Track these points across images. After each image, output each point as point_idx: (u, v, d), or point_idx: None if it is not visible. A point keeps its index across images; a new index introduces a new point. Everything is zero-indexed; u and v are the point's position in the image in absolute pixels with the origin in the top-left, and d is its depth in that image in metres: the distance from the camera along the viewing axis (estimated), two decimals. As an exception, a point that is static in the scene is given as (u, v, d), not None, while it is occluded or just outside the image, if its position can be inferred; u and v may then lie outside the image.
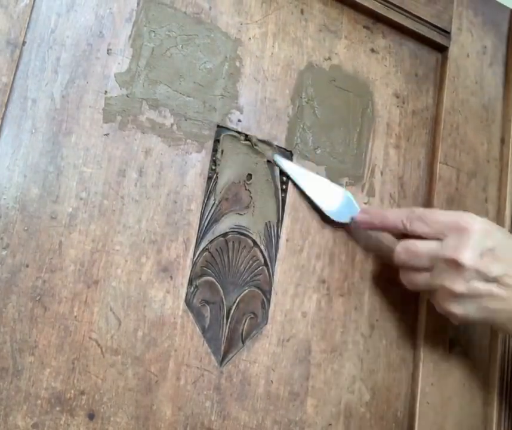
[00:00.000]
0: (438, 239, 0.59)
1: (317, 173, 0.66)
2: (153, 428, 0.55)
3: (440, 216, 0.61)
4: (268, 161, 0.64)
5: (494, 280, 0.58)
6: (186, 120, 0.61)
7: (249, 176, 0.63)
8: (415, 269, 0.61)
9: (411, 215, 0.61)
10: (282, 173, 0.65)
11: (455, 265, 0.58)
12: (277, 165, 0.64)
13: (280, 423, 0.60)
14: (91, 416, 0.53)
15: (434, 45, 0.76)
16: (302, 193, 0.65)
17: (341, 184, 0.67)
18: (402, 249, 0.61)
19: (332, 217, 0.65)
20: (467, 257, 0.57)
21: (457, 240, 0.58)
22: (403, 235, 0.62)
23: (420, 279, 0.61)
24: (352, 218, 0.65)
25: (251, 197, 0.63)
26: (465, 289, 0.58)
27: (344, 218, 0.65)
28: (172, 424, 0.56)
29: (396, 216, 0.63)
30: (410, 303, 0.69)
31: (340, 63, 0.70)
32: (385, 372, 0.66)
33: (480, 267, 0.58)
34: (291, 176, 0.65)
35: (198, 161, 0.61)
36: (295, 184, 0.65)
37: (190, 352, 0.58)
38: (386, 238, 0.67)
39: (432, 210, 0.64)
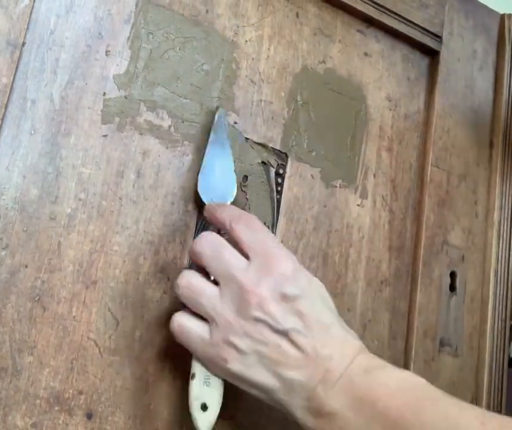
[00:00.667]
0: (245, 253, 0.52)
1: (312, 177, 0.67)
2: (151, 428, 0.56)
3: (264, 237, 0.53)
4: (263, 163, 0.65)
5: (284, 333, 0.50)
6: (183, 122, 0.61)
7: (245, 178, 0.64)
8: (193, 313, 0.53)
9: (242, 216, 0.54)
10: (277, 174, 0.65)
11: (246, 294, 0.50)
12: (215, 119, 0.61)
13: (275, 421, 0.61)
14: (89, 416, 0.54)
15: (426, 49, 0.77)
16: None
17: (334, 187, 0.68)
18: (185, 283, 0.52)
19: (200, 193, 0.59)
20: (263, 290, 0.50)
21: (262, 268, 0.51)
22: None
23: (198, 328, 0.52)
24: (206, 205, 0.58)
25: (247, 198, 0.63)
26: (249, 335, 0.50)
27: (205, 199, 0.59)
28: (169, 423, 0.57)
29: (229, 214, 0.54)
30: (401, 304, 0.70)
31: (334, 67, 0.71)
32: (377, 372, 0.67)
33: (274, 310, 0.50)
34: (209, 142, 0.60)
35: (195, 163, 0.61)
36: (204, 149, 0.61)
37: (187, 351, 0.58)
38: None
39: (266, 232, 0.55)
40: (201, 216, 0.60)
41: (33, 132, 0.55)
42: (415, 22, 0.75)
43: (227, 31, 0.65)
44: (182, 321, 0.52)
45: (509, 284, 0.74)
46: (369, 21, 0.73)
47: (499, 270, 0.74)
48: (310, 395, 0.49)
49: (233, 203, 0.59)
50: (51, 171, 0.55)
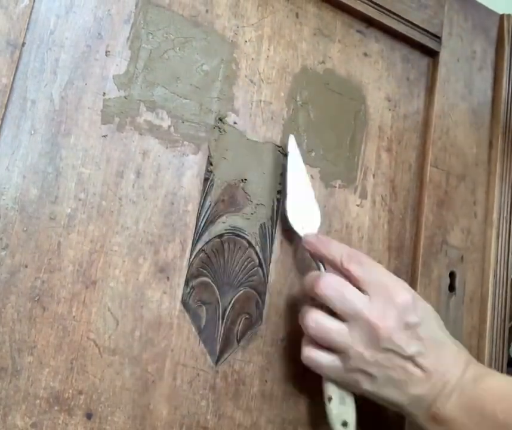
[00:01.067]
0: (363, 290, 0.57)
1: (312, 177, 0.67)
2: (150, 427, 0.56)
3: (377, 271, 0.58)
4: (263, 163, 0.65)
5: (409, 358, 0.56)
6: (183, 122, 0.62)
7: (245, 178, 0.64)
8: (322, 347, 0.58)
9: (351, 254, 0.59)
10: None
11: (374, 330, 0.55)
12: (287, 150, 0.64)
13: (274, 422, 0.61)
14: (89, 416, 0.54)
15: (425, 50, 0.77)
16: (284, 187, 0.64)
17: (333, 187, 0.68)
18: (313, 323, 0.58)
19: (290, 222, 0.63)
20: (389, 325, 0.56)
21: (381, 305, 0.56)
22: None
23: (330, 362, 0.58)
24: (303, 236, 0.62)
25: (247, 199, 0.63)
26: (379, 360, 0.56)
27: (300, 232, 0.63)
28: (168, 423, 0.57)
29: (338, 249, 0.59)
30: (400, 304, 0.70)
31: (334, 67, 0.71)
32: (376, 372, 0.67)
33: (399, 340, 0.56)
34: (288, 168, 0.64)
35: (195, 163, 0.61)
36: (284, 176, 0.64)
37: (186, 352, 0.58)
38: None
39: (378, 266, 0.60)
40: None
41: (33, 132, 0.55)
42: (415, 22, 0.75)
43: (226, 32, 0.65)
44: (312, 355, 0.58)
45: (508, 284, 0.74)
46: (369, 22, 0.74)
47: (498, 270, 0.74)
48: (431, 406, 0.56)
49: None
50: (50, 171, 0.55)
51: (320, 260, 0.61)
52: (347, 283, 0.57)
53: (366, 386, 0.57)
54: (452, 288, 0.72)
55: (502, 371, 0.72)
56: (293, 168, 0.64)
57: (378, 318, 0.56)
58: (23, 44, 0.55)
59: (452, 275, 0.72)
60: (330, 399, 0.59)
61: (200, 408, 0.58)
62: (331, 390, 0.59)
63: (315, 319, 0.57)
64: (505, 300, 0.73)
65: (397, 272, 0.70)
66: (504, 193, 0.76)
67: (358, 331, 0.56)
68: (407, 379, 0.56)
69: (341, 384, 0.59)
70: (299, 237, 0.63)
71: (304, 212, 0.64)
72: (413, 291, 0.59)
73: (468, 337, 0.72)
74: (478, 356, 0.72)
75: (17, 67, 0.54)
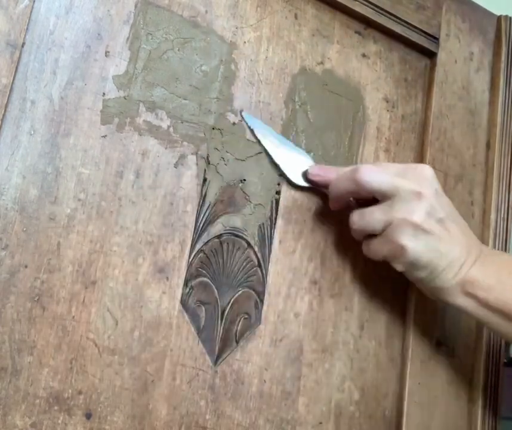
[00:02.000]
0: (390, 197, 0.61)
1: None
2: (149, 427, 0.56)
3: (392, 165, 0.64)
4: (261, 163, 0.65)
5: (440, 221, 0.61)
6: (182, 122, 0.62)
7: (244, 179, 0.64)
8: (372, 236, 0.63)
9: (364, 168, 0.62)
10: (274, 165, 0.66)
11: (417, 195, 0.60)
12: (245, 121, 0.65)
13: (272, 421, 0.61)
14: (88, 415, 0.54)
15: (423, 51, 0.77)
16: (267, 153, 0.66)
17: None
18: (357, 217, 0.63)
19: (295, 181, 0.66)
20: (428, 191, 0.60)
21: (415, 178, 0.61)
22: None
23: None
24: (305, 171, 0.66)
25: (245, 199, 0.64)
26: (423, 220, 0.59)
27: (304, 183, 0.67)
28: (167, 423, 0.57)
29: (351, 170, 0.63)
30: (398, 304, 0.70)
31: (332, 68, 0.71)
32: (374, 372, 0.68)
33: (434, 203, 0.60)
34: (258, 137, 0.65)
35: (194, 163, 0.62)
36: (262, 145, 0.65)
37: (185, 352, 0.59)
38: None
39: (384, 164, 0.66)
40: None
41: (32, 132, 0.55)
42: (413, 23, 0.75)
43: (225, 32, 0.65)
44: (366, 243, 0.65)
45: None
46: (367, 23, 0.74)
47: (495, 270, 0.74)
48: (461, 267, 0.61)
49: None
50: (50, 171, 0.55)
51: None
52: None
53: (410, 252, 0.60)
54: (449, 288, 0.72)
55: (498, 372, 0.72)
56: (263, 135, 0.65)
57: (417, 186, 0.60)
58: (23, 44, 0.55)
59: (449, 275, 0.73)
60: None
61: (199, 407, 0.58)
62: None
63: (358, 212, 0.63)
64: (502, 300, 0.74)
65: (395, 272, 0.70)
66: (501, 194, 0.77)
67: (400, 203, 0.60)
68: (443, 237, 0.60)
69: (390, 259, 0.62)
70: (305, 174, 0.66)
71: (294, 160, 0.66)
72: (433, 180, 0.63)
73: (465, 337, 0.72)
74: (475, 356, 0.72)
75: (16, 68, 0.55)
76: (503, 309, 0.60)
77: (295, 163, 0.66)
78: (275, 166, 0.66)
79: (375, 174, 0.61)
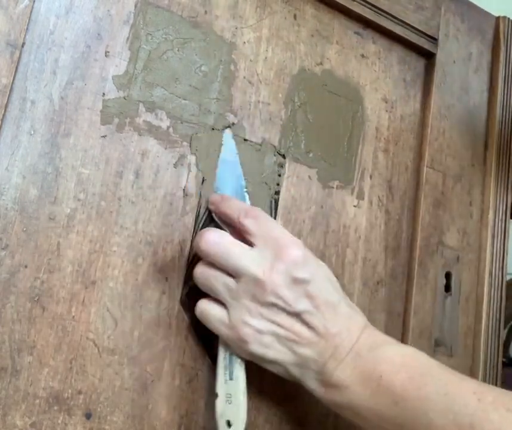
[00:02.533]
0: (253, 243, 0.55)
1: (309, 178, 0.67)
2: (149, 427, 0.56)
3: (271, 226, 0.56)
4: (261, 163, 0.65)
5: (296, 315, 0.54)
6: (182, 123, 0.62)
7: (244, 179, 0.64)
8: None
9: (248, 210, 0.57)
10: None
11: (259, 284, 0.53)
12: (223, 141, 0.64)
13: (272, 421, 0.62)
14: (88, 415, 0.54)
15: (422, 51, 0.77)
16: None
17: (331, 188, 0.68)
18: (199, 273, 0.56)
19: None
20: (276, 278, 0.53)
21: (269, 259, 0.54)
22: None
23: (215, 313, 0.56)
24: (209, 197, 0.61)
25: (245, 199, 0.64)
26: (265, 316, 0.54)
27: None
28: (167, 423, 0.57)
29: (237, 206, 0.58)
30: (397, 305, 0.70)
31: (331, 68, 0.71)
32: (373, 372, 0.68)
33: (286, 295, 0.53)
34: (220, 159, 0.63)
35: (193, 163, 0.62)
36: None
37: (185, 352, 0.59)
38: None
39: (273, 222, 0.59)
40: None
41: (32, 132, 0.55)
42: (411, 24, 0.75)
43: (225, 33, 0.65)
44: (203, 307, 0.56)
45: (504, 285, 0.75)
46: (366, 23, 0.74)
47: (493, 270, 0.75)
48: (322, 369, 0.54)
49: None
50: (50, 171, 0.55)
51: (223, 221, 0.59)
52: (232, 238, 0.55)
53: (254, 346, 0.54)
54: (447, 288, 0.73)
55: (497, 371, 0.72)
56: (224, 162, 0.63)
57: (264, 272, 0.53)
58: (23, 44, 0.55)
59: (447, 276, 0.73)
60: (216, 395, 0.56)
61: (198, 408, 0.59)
62: (219, 388, 0.56)
63: (202, 270, 0.56)
64: (500, 300, 0.74)
65: (393, 272, 0.71)
66: (500, 194, 0.77)
67: (244, 285, 0.53)
68: (296, 337, 0.54)
69: (232, 347, 0.56)
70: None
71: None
72: (307, 250, 0.56)
73: (464, 337, 0.72)
74: (474, 356, 0.72)
75: (16, 68, 0.55)
76: (372, 421, 0.53)
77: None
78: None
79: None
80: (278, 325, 0.54)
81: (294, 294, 0.54)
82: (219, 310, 0.55)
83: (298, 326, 0.54)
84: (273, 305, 0.53)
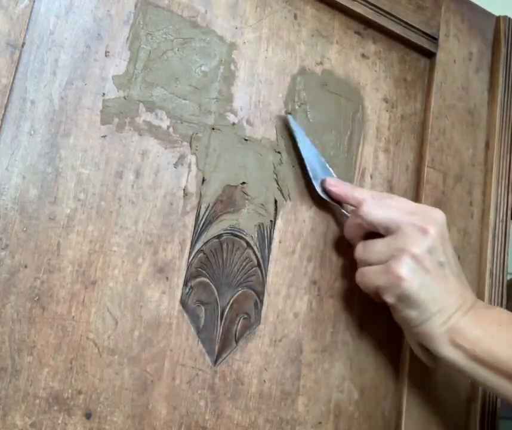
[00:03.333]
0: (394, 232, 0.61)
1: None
2: (149, 427, 0.56)
3: (400, 208, 0.62)
4: (261, 163, 0.65)
5: (440, 264, 0.60)
6: (182, 122, 0.62)
7: (244, 179, 0.64)
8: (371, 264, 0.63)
9: (375, 196, 0.63)
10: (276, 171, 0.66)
11: (422, 231, 0.59)
12: (289, 125, 0.67)
13: (272, 421, 0.61)
14: (88, 415, 0.54)
15: (423, 51, 0.77)
16: (299, 158, 0.67)
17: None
18: (360, 248, 0.64)
19: (318, 192, 0.67)
20: (434, 231, 0.60)
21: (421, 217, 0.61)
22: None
23: (374, 272, 0.62)
24: (322, 181, 0.67)
25: (245, 199, 0.64)
26: (424, 257, 0.59)
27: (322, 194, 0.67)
28: (167, 423, 0.57)
29: (361, 192, 0.64)
30: (397, 304, 0.70)
31: (332, 68, 0.71)
32: (373, 372, 0.68)
33: (438, 245, 0.60)
34: (298, 142, 0.66)
35: (194, 163, 0.62)
36: (297, 150, 0.67)
37: (185, 352, 0.59)
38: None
39: (389, 198, 0.64)
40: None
41: (32, 132, 0.55)
42: (412, 24, 0.75)
43: (225, 33, 0.65)
44: (361, 271, 0.64)
45: (505, 285, 0.75)
46: (366, 23, 0.74)
47: (494, 270, 0.74)
48: (451, 317, 0.60)
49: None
50: (50, 171, 0.55)
51: (341, 203, 0.66)
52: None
53: (407, 284, 0.58)
54: (448, 288, 0.72)
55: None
56: (303, 146, 0.66)
57: (421, 222, 0.60)
58: (23, 44, 0.55)
59: (448, 275, 0.73)
60: None
61: (198, 407, 0.59)
62: None
63: (362, 244, 0.64)
64: (501, 300, 0.74)
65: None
66: (500, 194, 0.77)
67: (404, 235, 0.60)
68: (439, 281, 0.60)
69: (384, 290, 0.61)
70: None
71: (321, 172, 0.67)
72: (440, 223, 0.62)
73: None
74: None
75: (16, 68, 0.55)
76: (491, 362, 0.58)
77: (321, 175, 0.67)
78: (306, 172, 0.66)
79: (377, 210, 0.61)
80: (428, 270, 0.59)
81: (443, 246, 0.61)
82: (375, 266, 0.62)
83: (440, 275, 0.60)
84: (429, 251, 0.59)
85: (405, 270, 0.59)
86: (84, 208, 0.56)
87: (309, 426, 0.63)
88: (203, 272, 0.61)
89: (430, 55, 0.78)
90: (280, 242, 0.65)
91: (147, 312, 0.58)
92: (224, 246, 0.62)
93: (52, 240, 0.55)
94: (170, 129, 0.61)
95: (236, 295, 0.62)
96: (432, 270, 0.59)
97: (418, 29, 0.76)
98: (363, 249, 0.63)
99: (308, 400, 0.64)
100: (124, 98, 0.59)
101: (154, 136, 0.60)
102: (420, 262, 0.59)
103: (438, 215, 0.61)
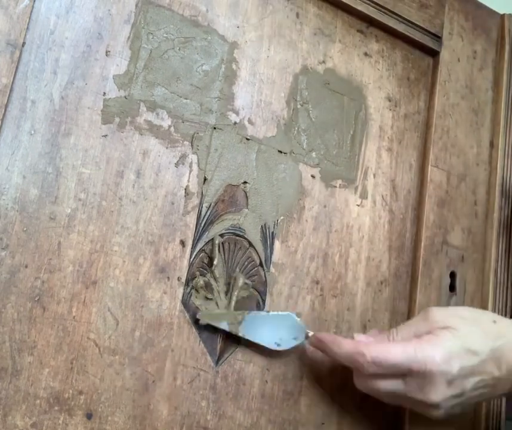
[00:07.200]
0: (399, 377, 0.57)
1: (312, 177, 0.67)
2: (150, 427, 0.56)
3: (393, 357, 0.57)
4: (263, 163, 0.65)
5: (471, 390, 0.58)
6: (183, 122, 0.61)
7: (245, 178, 0.64)
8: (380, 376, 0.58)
9: (363, 359, 0.57)
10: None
11: (426, 404, 0.57)
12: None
13: (274, 422, 0.61)
14: (89, 416, 0.54)
15: (426, 50, 0.77)
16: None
17: (334, 187, 0.68)
18: (362, 386, 0.60)
19: (279, 348, 0.61)
20: (436, 397, 0.57)
21: (420, 383, 0.57)
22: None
23: (389, 386, 0.58)
24: (306, 339, 0.62)
25: (247, 198, 0.63)
26: (443, 413, 0.58)
27: (294, 342, 0.62)
28: (168, 423, 0.57)
29: (352, 359, 0.58)
30: (401, 304, 0.70)
31: (334, 67, 0.71)
32: (377, 372, 0.67)
33: (452, 392, 0.57)
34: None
35: (195, 163, 0.61)
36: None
37: (186, 352, 0.58)
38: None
39: (387, 349, 0.58)
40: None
41: (33, 132, 0.55)
42: (415, 22, 0.75)
43: (226, 32, 0.65)
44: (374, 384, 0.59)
45: (509, 284, 0.74)
46: (369, 21, 0.74)
47: (498, 270, 0.74)
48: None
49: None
50: (50, 171, 0.55)
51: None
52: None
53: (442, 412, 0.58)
54: (452, 288, 0.72)
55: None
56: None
57: (422, 395, 0.57)
58: (23, 44, 0.55)
59: (452, 275, 0.72)
60: None
61: (200, 408, 0.58)
62: None
63: (364, 384, 0.59)
64: (505, 300, 0.73)
65: (397, 272, 0.70)
66: (505, 193, 0.76)
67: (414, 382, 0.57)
68: (491, 386, 0.58)
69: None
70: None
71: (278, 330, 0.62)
72: (439, 348, 0.57)
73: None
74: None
75: (17, 67, 0.55)
76: None
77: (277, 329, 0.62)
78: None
79: (378, 367, 0.57)
80: (457, 395, 0.57)
81: (458, 386, 0.57)
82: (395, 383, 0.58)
83: (473, 394, 0.58)
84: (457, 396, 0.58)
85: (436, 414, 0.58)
86: (85, 208, 0.56)
87: (312, 427, 0.63)
88: (205, 271, 0.60)
89: (434, 53, 0.77)
90: (282, 241, 0.64)
91: (148, 311, 0.57)
92: (226, 246, 0.62)
93: (53, 240, 0.55)
94: (172, 129, 0.61)
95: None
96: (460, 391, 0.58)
97: (421, 27, 0.76)
98: (365, 388, 0.60)
99: (310, 401, 0.63)
100: (125, 97, 0.59)
101: (155, 135, 0.60)
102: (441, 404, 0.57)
103: (437, 354, 0.57)
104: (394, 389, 0.57)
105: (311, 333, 0.61)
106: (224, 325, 0.59)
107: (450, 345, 0.57)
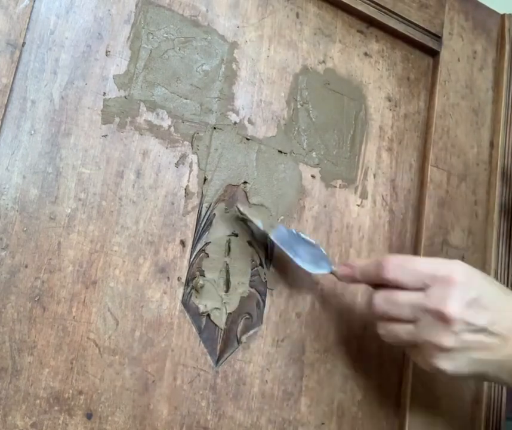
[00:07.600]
0: (419, 289, 0.57)
1: (312, 177, 0.67)
2: (150, 427, 0.56)
3: (420, 265, 0.58)
4: (263, 163, 0.65)
5: (482, 330, 0.56)
6: (183, 122, 0.61)
7: (245, 178, 0.64)
8: (395, 320, 0.58)
9: (390, 263, 0.58)
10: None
11: (442, 317, 0.55)
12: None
13: (274, 422, 0.61)
14: (89, 416, 0.54)
15: (426, 50, 0.77)
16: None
17: (334, 187, 0.68)
18: (381, 300, 0.58)
19: (310, 271, 0.62)
20: (454, 309, 0.55)
21: (441, 291, 0.56)
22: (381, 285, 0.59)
23: (403, 331, 0.57)
24: (332, 270, 0.63)
25: (247, 198, 0.63)
26: (454, 343, 0.55)
27: (322, 270, 0.63)
28: (168, 423, 0.57)
29: (375, 266, 0.59)
30: (401, 304, 0.70)
31: (334, 67, 0.71)
32: (377, 372, 0.67)
33: (468, 318, 0.55)
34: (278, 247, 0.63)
35: (195, 163, 0.61)
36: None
37: (186, 352, 0.58)
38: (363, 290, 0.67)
39: (412, 258, 0.61)
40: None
41: (33, 132, 0.55)
42: (415, 22, 0.75)
43: (226, 32, 0.65)
44: (389, 328, 0.58)
45: (509, 284, 0.74)
46: (369, 21, 0.74)
47: (499, 270, 0.74)
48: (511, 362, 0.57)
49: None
50: (50, 171, 0.55)
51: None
52: (394, 291, 0.58)
53: (441, 362, 0.56)
54: (452, 288, 0.72)
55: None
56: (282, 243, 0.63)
57: (440, 304, 0.55)
58: (23, 44, 0.55)
59: (452, 275, 0.72)
60: None
61: (200, 408, 0.58)
62: None
63: (383, 296, 0.58)
64: (505, 300, 0.73)
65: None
66: (505, 193, 0.76)
67: (426, 326, 0.56)
68: (487, 349, 0.56)
69: (419, 362, 0.59)
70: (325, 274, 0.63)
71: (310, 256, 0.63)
72: (465, 266, 0.58)
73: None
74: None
75: (17, 67, 0.55)
76: None
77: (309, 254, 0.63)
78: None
79: (401, 271, 0.57)
80: (469, 346, 0.56)
81: (474, 313, 0.56)
82: (406, 326, 0.57)
83: (487, 339, 0.56)
84: (462, 331, 0.55)
85: (442, 363, 0.56)
86: (85, 208, 0.56)
87: (312, 427, 0.63)
88: (205, 271, 0.60)
89: (434, 53, 0.77)
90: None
91: (148, 312, 0.57)
92: (226, 246, 0.62)
93: (53, 240, 0.55)
94: (172, 129, 0.61)
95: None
96: (473, 343, 0.56)
97: (421, 27, 0.76)
98: (385, 302, 0.58)
99: (310, 400, 0.63)
100: (125, 97, 0.59)
101: (155, 135, 0.60)
102: (454, 350, 0.56)
103: (456, 279, 0.56)
104: (414, 301, 0.56)
105: (334, 268, 0.63)
106: (258, 223, 0.61)
107: (473, 269, 0.58)
